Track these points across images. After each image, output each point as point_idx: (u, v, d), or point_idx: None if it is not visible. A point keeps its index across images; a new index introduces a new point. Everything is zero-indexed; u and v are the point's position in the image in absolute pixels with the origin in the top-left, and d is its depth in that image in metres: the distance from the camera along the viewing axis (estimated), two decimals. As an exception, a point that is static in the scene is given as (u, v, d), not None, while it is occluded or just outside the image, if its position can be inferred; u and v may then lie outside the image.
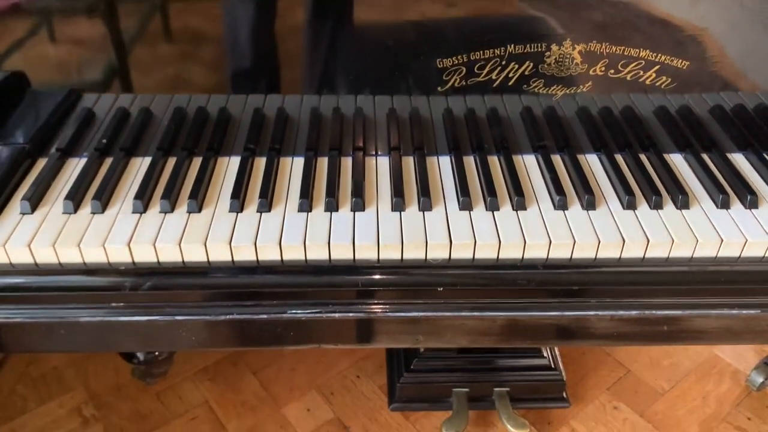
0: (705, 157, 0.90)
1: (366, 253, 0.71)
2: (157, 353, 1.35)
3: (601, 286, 0.70)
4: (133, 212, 0.79)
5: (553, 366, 1.39)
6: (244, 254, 0.72)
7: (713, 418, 1.43)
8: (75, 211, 0.80)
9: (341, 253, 0.71)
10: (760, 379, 1.45)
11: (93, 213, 0.80)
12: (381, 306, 0.69)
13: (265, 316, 0.69)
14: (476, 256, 0.70)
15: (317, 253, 0.71)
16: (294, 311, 0.69)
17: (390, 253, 0.71)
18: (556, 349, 1.45)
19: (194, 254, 0.72)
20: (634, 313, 0.70)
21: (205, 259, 0.72)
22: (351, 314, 0.69)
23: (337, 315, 0.69)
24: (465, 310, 0.69)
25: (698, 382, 1.50)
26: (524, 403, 1.40)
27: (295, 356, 1.54)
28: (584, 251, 0.72)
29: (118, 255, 0.73)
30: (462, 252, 0.71)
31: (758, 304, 0.73)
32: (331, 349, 1.56)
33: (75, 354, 1.53)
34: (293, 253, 0.71)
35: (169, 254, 0.73)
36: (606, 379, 1.50)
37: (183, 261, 0.72)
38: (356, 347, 0.72)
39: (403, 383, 1.39)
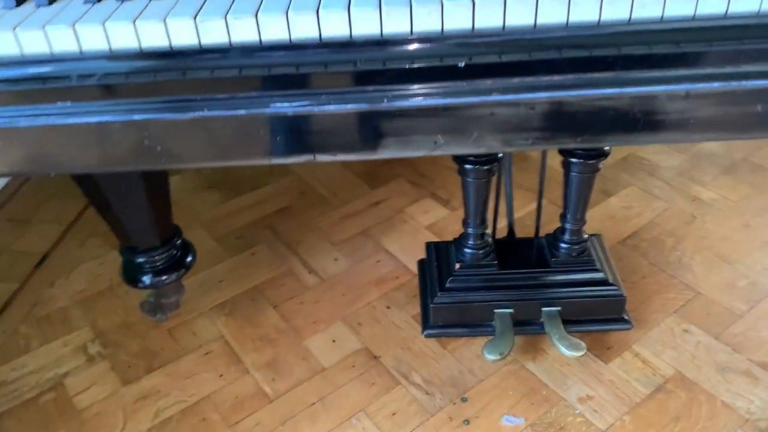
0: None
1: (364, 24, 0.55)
2: (164, 277, 1.22)
3: (676, 45, 0.53)
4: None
5: (610, 280, 1.21)
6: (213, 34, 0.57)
7: (804, 338, 1.22)
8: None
9: (334, 25, 0.55)
10: None
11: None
12: (386, 92, 0.54)
13: (242, 112, 0.55)
14: (507, 16, 0.54)
15: (304, 28, 0.55)
16: (279, 104, 0.54)
17: (396, 22, 0.54)
18: (612, 262, 1.27)
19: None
20: (716, 85, 0.53)
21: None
22: (349, 106, 0.54)
23: (332, 108, 0.54)
24: (495, 92, 0.53)
25: (782, 301, 1.29)
26: (578, 326, 1.22)
27: (319, 289, 1.39)
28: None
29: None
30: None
31: None
32: (357, 278, 1.41)
33: (82, 292, 1.42)
34: (272, 28, 0.56)
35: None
36: (672, 302, 1.31)
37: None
38: (357, 158, 0.57)
39: (437, 304, 1.22)
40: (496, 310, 1.22)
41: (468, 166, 1.10)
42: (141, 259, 1.19)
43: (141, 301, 1.34)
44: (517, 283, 1.22)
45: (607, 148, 1.09)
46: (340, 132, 0.55)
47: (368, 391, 1.19)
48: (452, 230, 1.51)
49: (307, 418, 1.15)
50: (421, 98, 0.54)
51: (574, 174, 1.11)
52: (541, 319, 1.21)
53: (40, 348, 1.31)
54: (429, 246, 1.32)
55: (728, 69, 0.52)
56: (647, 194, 1.58)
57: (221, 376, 1.23)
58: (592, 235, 1.29)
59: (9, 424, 1.18)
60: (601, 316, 1.23)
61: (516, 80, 0.53)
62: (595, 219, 1.52)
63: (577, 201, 1.15)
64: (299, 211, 1.62)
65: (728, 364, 1.18)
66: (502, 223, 1.31)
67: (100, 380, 1.24)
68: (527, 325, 1.22)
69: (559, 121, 0.55)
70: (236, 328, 1.32)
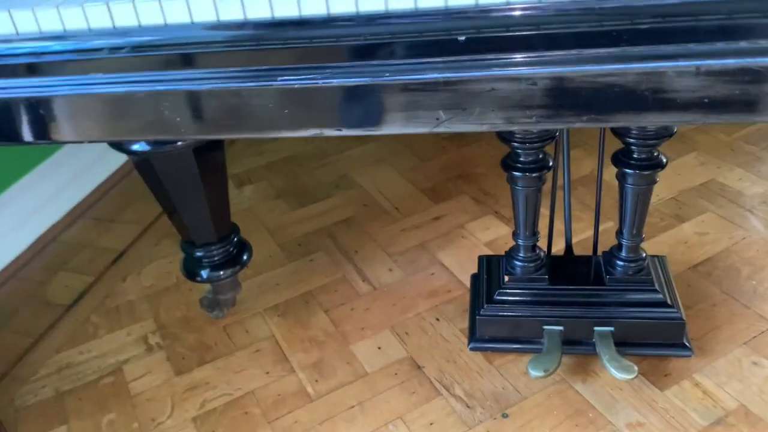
0: None
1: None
2: (221, 272, 1.26)
3: (681, 19, 0.51)
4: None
5: (669, 302, 1.14)
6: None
7: None
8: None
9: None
10: None
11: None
12: (387, 67, 0.55)
13: (252, 85, 0.57)
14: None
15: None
16: (286, 78, 0.56)
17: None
18: (674, 285, 1.20)
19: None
20: (731, 62, 0.50)
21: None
22: (353, 80, 0.55)
23: (335, 82, 0.55)
24: (495, 67, 0.53)
25: None
26: (632, 348, 1.15)
27: (370, 297, 1.40)
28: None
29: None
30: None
31: None
32: (409, 289, 1.40)
33: (150, 288, 1.50)
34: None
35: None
36: (744, 333, 1.21)
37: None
38: (362, 133, 0.57)
39: (484, 316, 1.20)
40: (545, 327, 1.17)
41: (516, 174, 1.08)
42: (199, 254, 1.25)
43: (200, 297, 1.40)
44: (569, 299, 1.17)
45: (664, 159, 1.05)
46: (343, 105, 0.57)
47: (408, 399, 1.17)
48: (511, 247, 1.48)
49: (345, 420, 1.15)
50: (425, 73, 0.54)
51: (628, 186, 1.07)
52: (593, 339, 1.15)
53: (106, 336, 1.39)
54: (481, 259, 1.30)
55: (742, 44, 0.49)
56: (725, 221, 1.49)
57: (267, 373, 1.26)
58: (654, 256, 1.23)
59: (69, 401, 1.25)
60: (657, 340, 1.16)
61: (517, 56, 0.53)
62: (665, 243, 1.45)
63: (633, 215, 1.10)
64: (361, 222, 1.64)
65: (801, 402, 1.08)
66: (562, 244, 1.27)
67: (155, 369, 1.30)
68: (578, 344, 1.17)
69: (562, 99, 0.54)
70: (287, 329, 1.35)
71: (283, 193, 1.79)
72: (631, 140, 1.02)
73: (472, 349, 1.23)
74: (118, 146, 1.06)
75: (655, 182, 1.06)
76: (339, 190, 1.78)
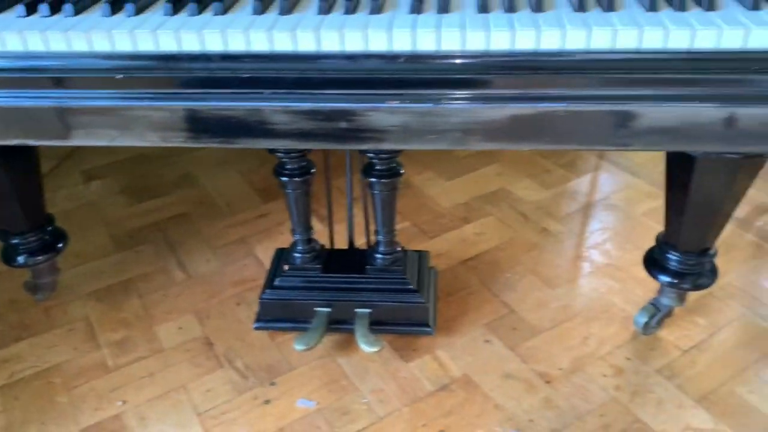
0: None
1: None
2: (38, 257, 1.41)
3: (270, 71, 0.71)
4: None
5: (416, 289, 1.37)
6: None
7: (589, 355, 1.35)
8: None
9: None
10: (644, 320, 1.37)
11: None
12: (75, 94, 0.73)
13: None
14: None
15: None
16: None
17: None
18: (431, 276, 1.43)
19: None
20: (305, 105, 0.70)
21: None
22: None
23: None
24: (146, 99, 0.71)
25: (583, 323, 1.43)
26: (387, 326, 1.37)
27: (184, 285, 1.57)
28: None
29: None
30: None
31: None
32: (220, 278, 1.58)
33: (-19, 273, 1.62)
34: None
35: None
36: (487, 316, 1.45)
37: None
38: (62, 144, 0.75)
39: (265, 300, 1.39)
40: (316, 309, 1.38)
41: (284, 179, 1.28)
42: (15, 241, 1.39)
43: (24, 280, 1.53)
44: (336, 286, 1.38)
45: (401, 170, 1.27)
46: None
47: (193, 371, 1.35)
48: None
49: (134, 387, 1.32)
50: (97, 100, 0.72)
51: (375, 193, 1.28)
52: (354, 320, 1.37)
53: (-67, 315, 1.51)
54: (276, 251, 1.50)
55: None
56: (501, 223, 1.74)
57: (75, 349, 1.41)
58: (416, 251, 1.45)
59: None
60: (407, 320, 1.38)
61: (161, 90, 0.72)
62: (448, 241, 1.68)
63: (383, 216, 1.32)
64: (192, 218, 1.81)
65: (513, 372, 1.32)
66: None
67: (-27, 345, 1.43)
68: (342, 323, 1.38)
69: (198, 125, 0.73)
70: (101, 312, 1.50)
71: (126, 189, 1.94)
72: (371, 155, 1.24)
73: (255, 328, 1.42)
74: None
75: (396, 189, 1.28)
76: (179, 188, 1.94)
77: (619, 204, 1.81)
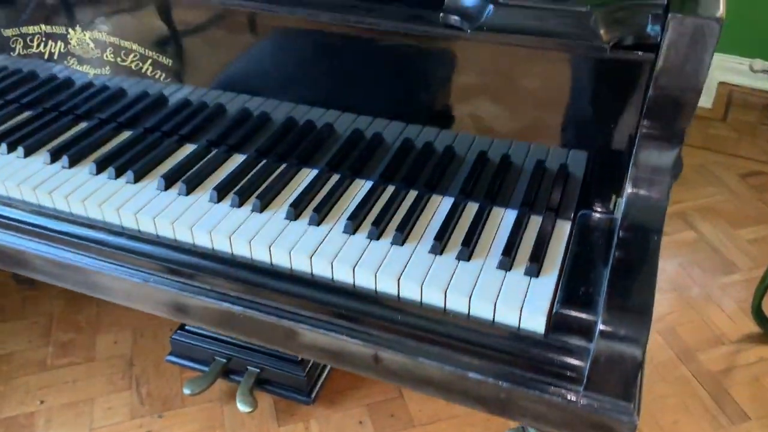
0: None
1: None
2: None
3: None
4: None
5: (298, 360, 1.47)
6: None
7: (446, 461, 1.40)
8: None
9: None
10: (508, 440, 1.39)
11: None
12: None
13: None
14: None
15: None
16: None
17: None
18: (316, 349, 1.52)
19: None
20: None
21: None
22: None
23: None
24: None
25: (459, 426, 1.47)
26: (271, 388, 1.50)
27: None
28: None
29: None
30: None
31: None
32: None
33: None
34: None
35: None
36: (373, 397, 1.53)
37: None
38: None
39: (176, 339, 1.56)
40: (215, 357, 1.53)
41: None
42: None
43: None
44: (235, 342, 1.52)
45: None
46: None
47: (107, 387, 1.56)
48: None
49: (56, 391, 1.55)
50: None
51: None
52: (245, 375, 1.50)
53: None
54: (208, 292, 1.66)
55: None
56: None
57: (30, 342, 1.67)
58: (321, 322, 1.55)
59: None
60: (288, 386, 1.49)
61: None
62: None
63: (275, 293, 1.42)
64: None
65: (367, 460, 1.41)
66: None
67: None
68: (235, 374, 1.52)
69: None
70: (62, 311, 1.75)
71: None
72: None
73: (167, 360, 1.60)
74: None
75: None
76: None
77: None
